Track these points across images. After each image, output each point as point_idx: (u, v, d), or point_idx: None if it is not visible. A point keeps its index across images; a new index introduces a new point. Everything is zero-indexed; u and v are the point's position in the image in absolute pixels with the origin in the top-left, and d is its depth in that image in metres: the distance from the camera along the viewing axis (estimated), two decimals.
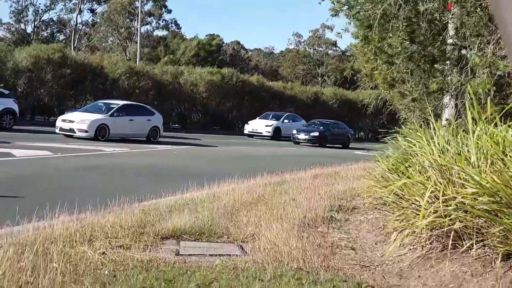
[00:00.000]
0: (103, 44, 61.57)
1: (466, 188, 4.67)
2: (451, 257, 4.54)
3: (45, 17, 62.23)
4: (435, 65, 8.48)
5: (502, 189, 4.29)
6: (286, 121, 33.29)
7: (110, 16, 56.15)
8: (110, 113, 20.85)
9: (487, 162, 4.92)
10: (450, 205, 4.70)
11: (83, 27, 61.42)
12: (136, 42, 47.62)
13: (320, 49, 67.80)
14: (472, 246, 4.47)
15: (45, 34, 63.77)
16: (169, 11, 62.22)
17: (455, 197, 4.72)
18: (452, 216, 4.64)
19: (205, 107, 36.39)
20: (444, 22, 8.20)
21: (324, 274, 4.41)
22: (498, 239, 4.29)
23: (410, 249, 5.07)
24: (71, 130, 19.88)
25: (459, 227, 4.57)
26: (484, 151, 5.12)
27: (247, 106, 37.68)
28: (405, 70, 8.80)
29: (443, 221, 4.69)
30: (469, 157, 5.23)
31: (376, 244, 5.67)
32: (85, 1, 59.57)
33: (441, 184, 4.98)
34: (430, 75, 8.48)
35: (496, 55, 7.34)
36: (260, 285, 4.05)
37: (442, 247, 4.76)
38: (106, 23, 57.73)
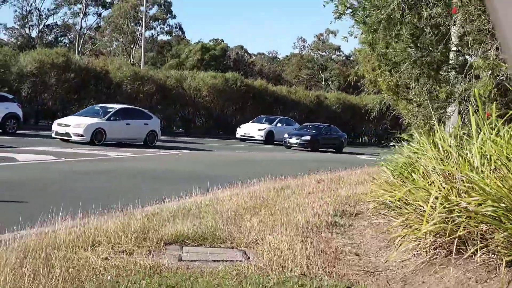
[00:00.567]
0: (108, 49, 61.79)
1: (470, 193, 4.65)
2: (455, 262, 4.52)
3: (50, 21, 62.45)
4: (440, 72, 8.47)
5: (506, 194, 4.26)
6: (279, 124, 32.43)
7: (114, 21, 56.33)
8: (106, 117, 20.63)
9: (490, 168, 4.90)
10: (454, 211, 4.68)
11: (88, 31, 61.66)
12: (141, 47, 47.71)
13: (324, 53, 67.92)
14: (476, 252, 4.44)
15: (50, 38, 63.96)
16: (174, 16, 62.55)
17: (459, 203, 4.70)
18: (456, 222, 4.62)
19: (208, 111, 36.42)
20: (449, 27, 8.19)
21: (328, 280, 4.39)
22: (502, 245, 4.27)
23: (414, 255, 5.04)
24: (67, 134, 19.62)
25: (463, 233, 4.55)
26: (488, 156, 5.10)
27: (251, 110, 37.53)
28: (409, 76, 8.78)
29: (447, 227, 4.67)
30: (473, 163, 5.21)
31: (380, 249, 5.65)
32: (89, 5, 59.86)
33: (444, 189, 4.96)
34: (435, 81, 8.46)
35: (499, 57, 7.32)
36: None
37: (446, 253, 4.74)
38: (111, 27, 57.91)
